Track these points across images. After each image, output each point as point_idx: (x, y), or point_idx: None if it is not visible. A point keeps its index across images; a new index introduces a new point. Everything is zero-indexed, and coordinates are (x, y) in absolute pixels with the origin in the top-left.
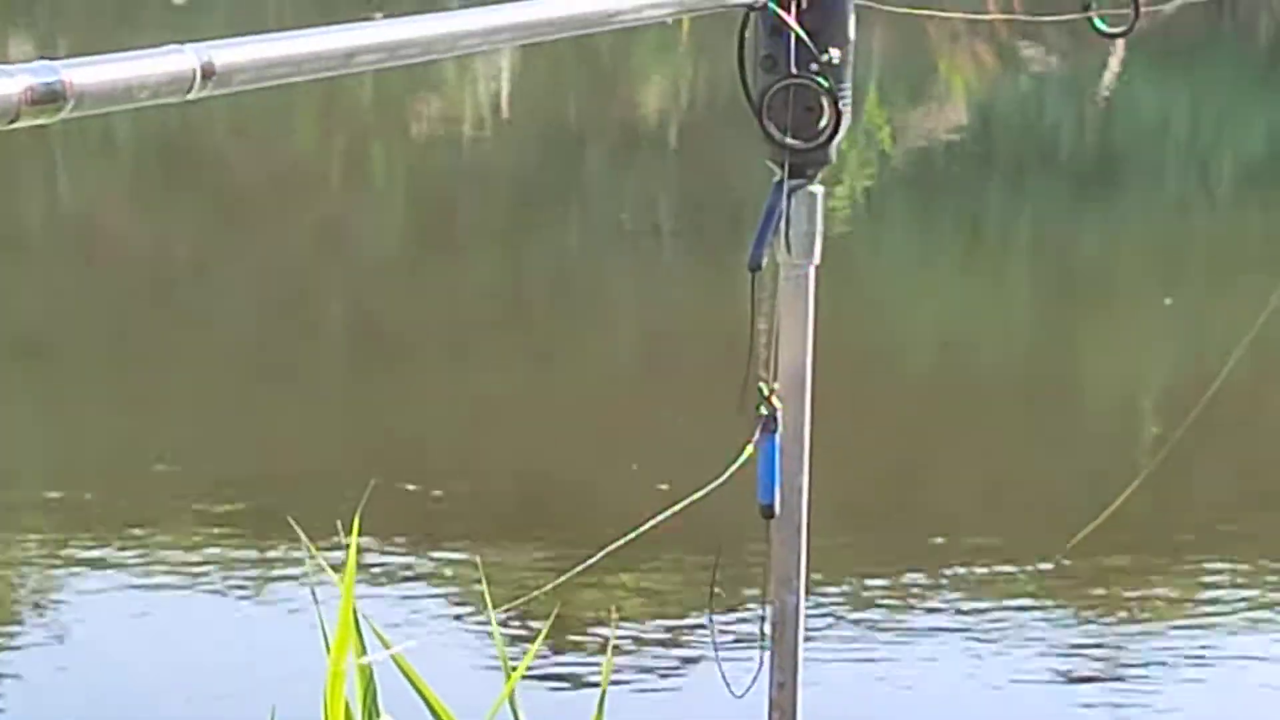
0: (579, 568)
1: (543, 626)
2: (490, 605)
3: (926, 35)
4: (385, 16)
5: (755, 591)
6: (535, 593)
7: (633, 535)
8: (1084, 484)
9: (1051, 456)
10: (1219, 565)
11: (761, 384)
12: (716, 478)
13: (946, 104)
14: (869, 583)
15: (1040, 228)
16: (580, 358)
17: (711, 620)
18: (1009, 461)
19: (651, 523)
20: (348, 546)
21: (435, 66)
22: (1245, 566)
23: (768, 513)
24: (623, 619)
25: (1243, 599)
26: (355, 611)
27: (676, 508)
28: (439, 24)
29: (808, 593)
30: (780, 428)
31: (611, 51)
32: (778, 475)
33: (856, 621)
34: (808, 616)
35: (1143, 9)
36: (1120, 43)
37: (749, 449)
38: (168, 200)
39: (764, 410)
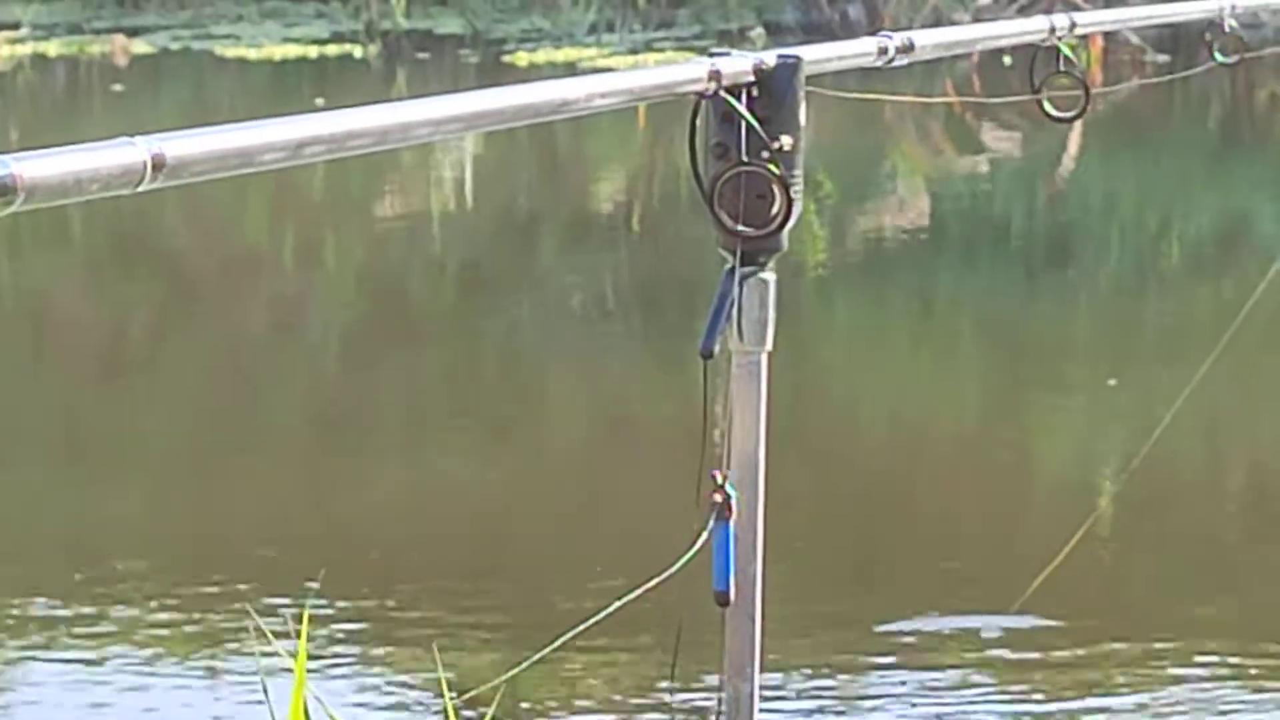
0: (532, 659)
1: (498, 712)
2: (445, 691)
3: (881, 119)
4: (326, 104)
5: (711, 677)
6: (491, 684)
7: (587, 625)
8: (1038, 567)
9: (1004, 538)
10: (1167, 631)
11: (715, 471)
12: (671, 564)
13: (900, 188)
14: (824, 669)
15: (991, 311)
16: (536, 444)
17: (672, 707)
18: (960, 544)
19: (605, 613)
20: (299, 635)
21: (391, 151)
22: (1196, 626)
23: (723, 600)
24: (577, 705)
25: (1194, 657)
26: (307, 702)
27: (630, 596)
28: (391, 114)
29: (762, 679)
30: (734, 514)
31: (567, 136)
32: (732, 562)
33: (812, 708)
34: (763, 703)
35: (1095, 91)
36: (1076, 124)
37: (703, 537)
38: (125, 284)
39: (718, 498)
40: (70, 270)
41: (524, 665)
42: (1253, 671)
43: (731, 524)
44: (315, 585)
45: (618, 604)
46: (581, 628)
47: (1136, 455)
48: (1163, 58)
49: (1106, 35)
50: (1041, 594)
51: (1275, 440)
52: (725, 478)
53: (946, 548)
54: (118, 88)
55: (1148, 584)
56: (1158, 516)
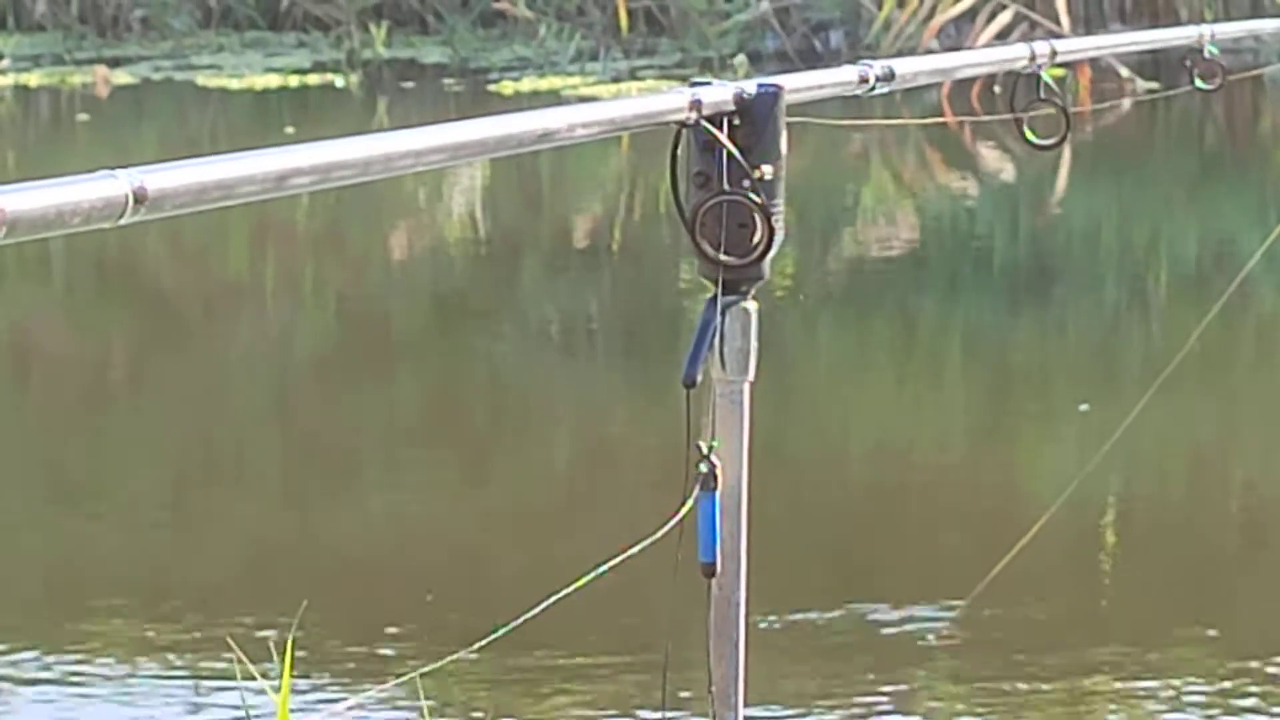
0: (491, 636)
1: None
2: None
3: (869, 147)
4: (297, 133)
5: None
6: (458, 653)
7: (564, 594)
8: (1013, 585)
9: (965, 560)
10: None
11: (700, 442)
12: (651, 542)
13: (893, 212)
14: (811, 698)
15: (970, 337)
16: (518, 474)
17: None
18: (949, 572)
19: (585, 579)
20: (283, 669)
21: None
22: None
23: (709, 571)
24: None
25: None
26: None
27: (611, 563)
28: (373, 145)
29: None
30: (719, 485)
31: (549, 160)
32: (718, 533)
33: None
34: None
35: (1075, 110)
36: (1067, 152)
37: (688, 504)
38: (105, 316)
39: (703, 467)
40: (52, 301)
41: (484, 640)
42: (1195, 672)
43: (717, 495)
44: (298, 617)
45: (600, 570)
46: (553, 600)
47: (1108, 468)
48: (1152, 85)
49: (1093, 64)
50: (990, 599)
51: (1224, 451)
52: (711, 448)
53: (930, 570)
54: (83, 118)
55: (1097, 578)
56: (1119, 519)
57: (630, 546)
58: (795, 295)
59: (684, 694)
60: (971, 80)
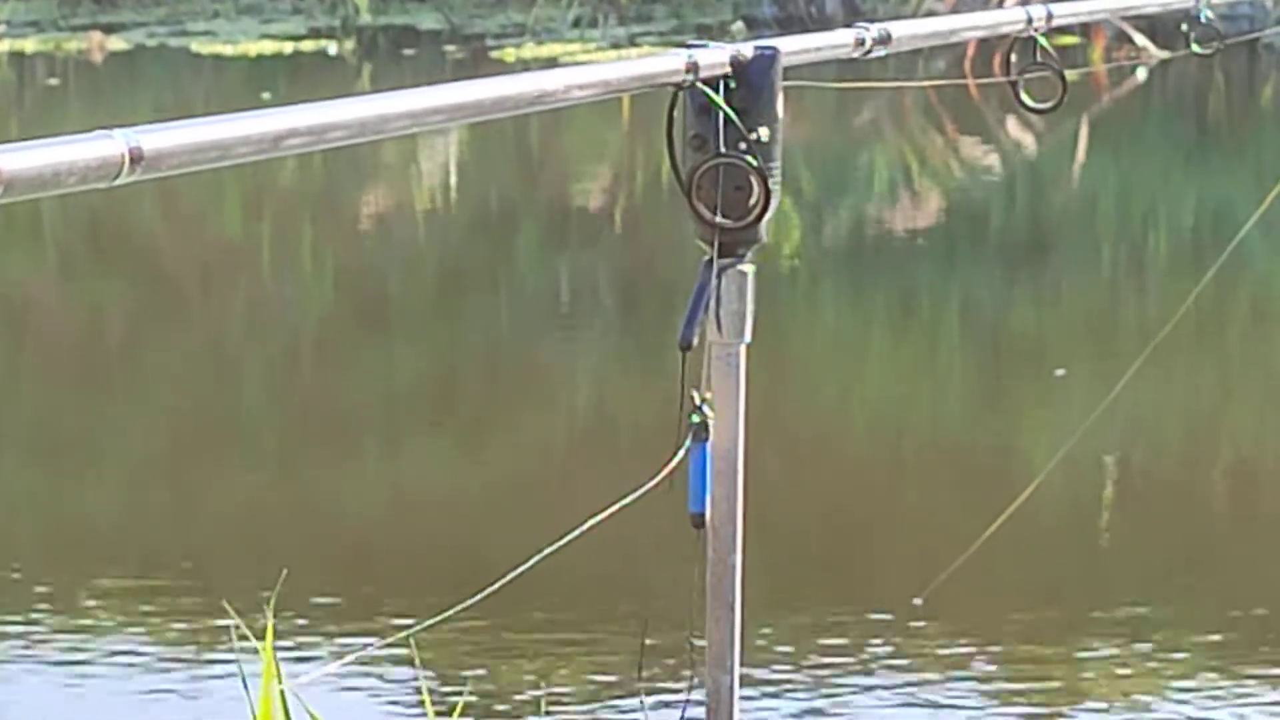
0: (482, 593)
1: (475, 706)
2: (423, 685)
3: (873, 107)
4: (273, 99)
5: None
6: (448, 611)
7: (552, 549)
8: (1014, 562)
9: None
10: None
11: (694, 392)
12: (642, 494)
13: (893, 178)
14: (804, 666)
15: (969, 301)
16: (513, 439)
17: (644, 704)
18: (940, 548)
19: (577, 531)
20: (268, 628)
21: (366, 145)
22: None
23: (698, 521)
24: (555, 697)
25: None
26: (285, 698)
27: (601, 516)
28: (368, 107)
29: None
30: (710, 436)
31: (549, 125)
32: (708, 484)
33: (793, 705)
34: (743, 698)
35: (1088, 69)
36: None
37: (680, 454)
38: (94, 281)
39: (695, 418)
40: (41, 266)
41: (474, 598)
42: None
43: (709, 445)
44: (288, 582)
45: (589, 523)
46: (546, 552)
47: (1100, 432)
48: (1164, 54)
49: (1108, 30)
50: (980, 564)
51: (1217, 414)
52: (704, 399)
53: (922, 533)
54: (52, 82)
55: (1088, 541)
56: (1109, 483)
57: (625, 509)
58: (790, 257)
59: (670, 659)
60: (994, 47)
